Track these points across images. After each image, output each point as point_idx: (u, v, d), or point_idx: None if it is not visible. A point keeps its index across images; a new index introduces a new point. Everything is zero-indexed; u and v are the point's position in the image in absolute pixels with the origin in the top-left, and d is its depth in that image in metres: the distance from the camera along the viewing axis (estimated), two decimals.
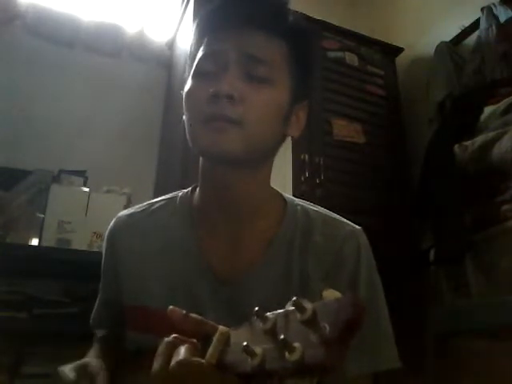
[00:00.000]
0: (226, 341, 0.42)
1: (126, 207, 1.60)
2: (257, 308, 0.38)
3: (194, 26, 0.72)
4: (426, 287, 1.82)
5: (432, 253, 1.77)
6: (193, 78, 0.68)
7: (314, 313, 0.33)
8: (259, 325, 0.37)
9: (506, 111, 1.62)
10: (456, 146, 1.70)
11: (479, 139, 1.64)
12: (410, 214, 1.93)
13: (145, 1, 2.27)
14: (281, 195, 0.77)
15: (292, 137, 0.72)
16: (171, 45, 2.25)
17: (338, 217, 0.75)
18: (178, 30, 2.18)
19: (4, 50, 1.92)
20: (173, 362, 0.42)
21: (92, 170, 1.80)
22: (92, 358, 0.67)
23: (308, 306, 0.33)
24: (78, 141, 1.94)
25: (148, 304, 0.68)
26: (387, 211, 1.90)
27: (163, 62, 2.25)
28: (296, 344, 0.32)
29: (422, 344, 1.60)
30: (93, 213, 1.57)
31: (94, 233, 1.54)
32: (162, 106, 2.22)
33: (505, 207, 1.53)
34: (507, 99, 1.64)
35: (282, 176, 1.67)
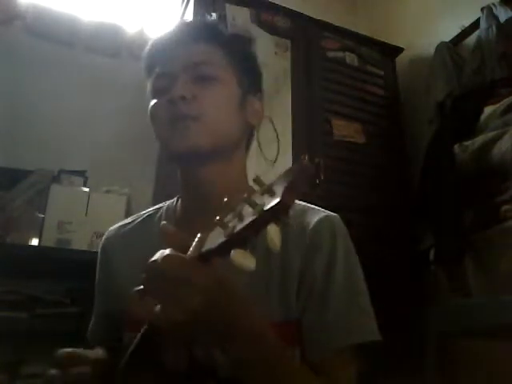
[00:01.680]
0: (204, 241, 0.46)
1: (126, 207, 1.60)
2: (226, 199, 0.44)
3: (143, 62, 0.82)
4: (425, 287, 1.82)
5: (432, 253, 1.77)
6: (152, 98, 0.76)
7: (271, 183, 0.39)
8: (230, 215, 0.43)
9: (506, 111, 1.62)
10: (456, 146, 1.70)
11: (479, 139, 1.64)
12: (410, 213, 1.93)
13: (145, 1, 2.27)
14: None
15: (253, 124, 0.80)
16: None
17: (315, 207, 0.78)
18: None
19: (4, 50, 1.92)
20: (159, 260, 0.45)
21: (92, 170, 1.80)
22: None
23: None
24: (78, 141, 1.94)
25: None
26: (387, 211, 1.89)
27: None
28: (258, 202, 0.39)
29: (422, 344, 1.60)
30: (93, 213, 1.58)
31: (94, 233, 1.55)
32: None
33: (505, 207, 1.53)
34: (507, 99, 1.64)
35: None
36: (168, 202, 0.83)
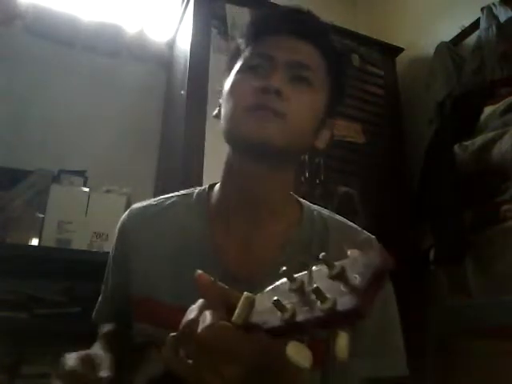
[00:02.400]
0: (251, 304, 0.42)
1: (125, 207, 1.60)
2: (284, 268, 0.38)
3: (246, 26, 0.77)
4: (426, 287, 1.82)
5: (432, 253, 1.77)
6: (239, 72, 0.72)
7: (343, 267, 0.33)
8: (286, 285, 0.37)
9: (505, 111, 1.62)
10: (456, 146, 1.70)
11: (479, 139, 1.64)
12: (410, 214, 1.93)
13: (145, 1, 2.27)
14: (297, 199, 0.79)
15: (318, 147, 0.76)
16: (171, 45, 2.25)
17: (353, 224, 0.76)
18: (178, 29, 2.18)
19: (4, 49, 1.93)
20: (200, 327, 0.42)
21: (92, 170, 1.80)
22: (97, 349, 0.68)
23: (336, 262, 0.34)
24: (78, 141, 1.94)
25: (158, 298, 0.68)
26: (387, 211, 1.89)
27: (163, 62, 2.25)
28: (328, 294, 0.32)
29: (422, 344, 1.60)
30: (93, 213, 1.57)
31: (94, 233, 1.54)
32: (161, 106, 2.21)
33: (505, 207, 1.53)
34: (507, 99, 1.64)
35: None
36: (198, 189, 0.80)
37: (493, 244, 1.57)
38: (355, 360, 0.63)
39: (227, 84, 0.72)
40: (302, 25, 0.74)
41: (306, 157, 1.81)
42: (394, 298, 0.71)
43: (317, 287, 0.33)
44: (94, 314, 0.83)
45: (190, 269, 0.63)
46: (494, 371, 1.36)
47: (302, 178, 1.77)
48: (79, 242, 1.53)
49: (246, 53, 0.73)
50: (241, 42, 0.76)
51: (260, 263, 0.68)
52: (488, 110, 1.69)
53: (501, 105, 1.65)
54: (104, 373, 0.57)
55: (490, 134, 1.61)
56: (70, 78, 2.03)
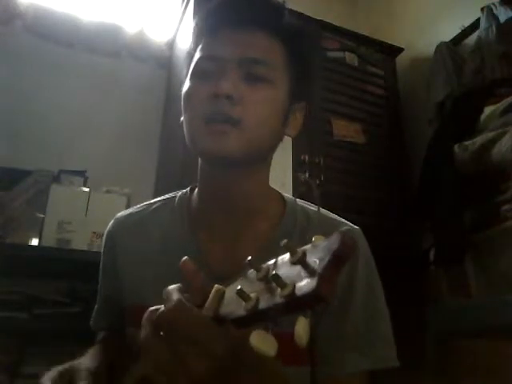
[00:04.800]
0: (221, 297, 0.42)
1: (126, 207, 1.60)
2: (249, 257, 0.38)
3: (192, 27, 0.73)
4: (425, 287, 1.82)
5: (432, 253, 1.77)
6: (191, 78, 0.68)
7: (304, 253, 0.33)
8: (253, 274, 0.38)
9: (505, 111, 1.62)
10: (456, 146, 1.70)
11: (479, 139, 1.64)
12: (410, 213, 1.93)
13: (145, 1, 2.27)
14: (280, 195, 0.78)
15: (289, 136, 0.73)
16: (171, 45, 2.25)
17: (336, 217, 0.74)
18: (178, 29, 2.18)
19: (4, 49, 1.93)
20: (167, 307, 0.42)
21: (92, 170, 1.80)
22: (84, 360, 0.67)
23: (298, 248, 0.34)
24: (77, 141, 1.94)
25: (148, 303, 0.68)
26: (387, 211, 1.89)
27: (163, 61, 2.25)
28: (287, 280, 0.33)
29: (422, 344, 1.60)
30: (93, 213, 1.57)
31: (94, 233, 1.55)
32: (162, 106, 2.22)
33: (505, 207, 1.53)
34: (507, 99, 1.64)
35: (281, 176, 1.67)
36: (180, 193, 0.79)
37: (493, 244, 1.57)
38: (345, 353, 0.64)
39: (183, 90, 0.69)
40: (249, 12, 0.66)
41: (306, 157, 1.81)
42: (381, 287, 0.71)
43: (275, 274, 0.33)
44: (91, 321, 0.83)
45: (175, 271, 0.63)
46: (493, 371, 1.36)
47: (302, 178, 1.77)
48: (79, 242, 1.53)
49: (196, 55, 0.69)
50: (190, 44, 0.72)
51: (243, 262, 0.68)
52: (488, 110, 1.69)
53: (501, 105, 1.65)
54: None
55: (490, 134, 1.61)
56: (69, 78, 2.03)
